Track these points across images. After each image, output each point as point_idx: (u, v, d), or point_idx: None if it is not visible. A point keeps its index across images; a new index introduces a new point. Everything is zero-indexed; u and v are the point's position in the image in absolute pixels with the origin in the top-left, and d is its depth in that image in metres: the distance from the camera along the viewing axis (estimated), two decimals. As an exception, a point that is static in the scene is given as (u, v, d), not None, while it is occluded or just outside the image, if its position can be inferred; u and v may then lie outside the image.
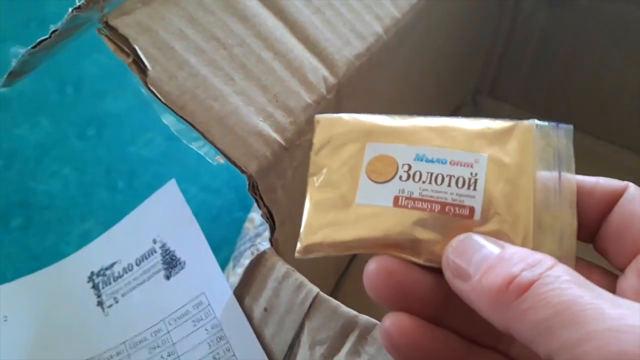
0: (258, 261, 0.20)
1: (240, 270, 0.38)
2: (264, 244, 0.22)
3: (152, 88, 0.17)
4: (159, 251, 0.22)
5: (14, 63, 0.23)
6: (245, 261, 0.39)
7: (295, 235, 0.22)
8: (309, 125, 0.20)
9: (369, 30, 0.22)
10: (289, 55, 0.20)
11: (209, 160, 0.18)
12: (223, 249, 0.35)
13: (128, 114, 0.53)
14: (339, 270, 0.34)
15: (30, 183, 0.48)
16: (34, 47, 0.20)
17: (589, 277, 0.12)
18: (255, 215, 0.43)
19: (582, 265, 0.15)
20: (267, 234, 0.40)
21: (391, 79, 0.26)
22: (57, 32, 0.18)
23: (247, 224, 0.43)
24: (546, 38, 0.38)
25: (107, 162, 0.49)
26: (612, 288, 0.14)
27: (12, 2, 0.66)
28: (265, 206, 0.19)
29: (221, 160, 0.18)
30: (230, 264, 0.38)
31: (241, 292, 0.21)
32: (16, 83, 0.26)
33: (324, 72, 0.20)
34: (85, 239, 0.44)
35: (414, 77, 0.29)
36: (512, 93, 0.42)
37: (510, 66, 0.41)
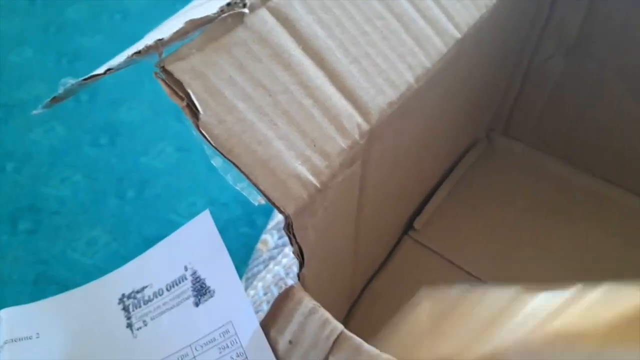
0: (286, 295, 0.21)
1: (252, 292, 0.39)
2: (291, 279, 0.23)
3: (203, 131, 0.18)
4: (190, 278, 0.22)
5: (60, 90, 0.24)
6: (258, 283, 0.40)
7: (321, 271, 0.23)
8: (342, 169, 0.21)
9: (401, 79, 0.23)
10: (327, 103, 0.21)
11: (252, 201, 0.19)
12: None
13: (141, 124, 0.54)
14: (351, 298, 0.35)
15: (41, 187, 0.49)
16: (85, 79, 0.21)
17: None
18: (268, 238, 0.44)
19: None
20: (282, 259, 0.41)
21: (417, 122, 0.27)
22: (110, 70, 0.19)
23: (259, 246, 0.44)
24: (562, 83, 0.40)
25: (119, 170, 0.50)
26: None
27: (32, 6, 0.67)
28: (297, 244, 0.20)
29: (262, 200, 0.19)
30: (242, 284, 0.39)
31: (267, 324, 0.22)
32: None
33: (358, 119, 0.21)
34: (93, 246, 0.45)
35: (437, 118, 0.30)
36: (525, 132, 0.44)
37: (525, 107, 0.42)
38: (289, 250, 0.40)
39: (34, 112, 0.30)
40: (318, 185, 0.20)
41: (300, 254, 0.21)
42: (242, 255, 0.42)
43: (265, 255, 0.41)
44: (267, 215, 0.45)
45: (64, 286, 0.43)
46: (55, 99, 0.26)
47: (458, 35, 0.26)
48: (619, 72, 0.36)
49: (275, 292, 0.37)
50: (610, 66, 0.37)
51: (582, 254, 0.38)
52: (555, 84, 0.40)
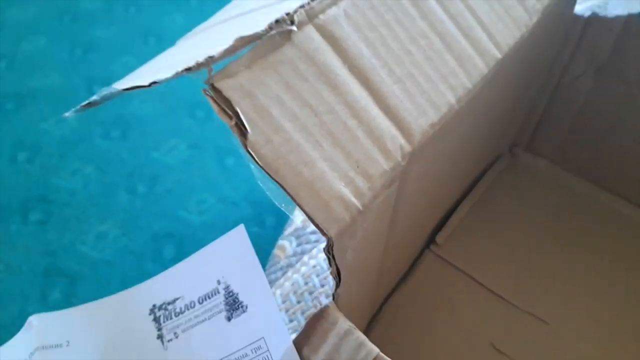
0: (320, 315, 0.21)
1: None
2: (325, 298, 0.23)
3: (251, 151, 0.18)
4: (222, 292, 0.22)
5: (97, 96, 0.24)
6: (276, 291, 0.39)
7: (351, 288, 0.23)
8: (382, 190, 0.21)
9: (443, 100, 0.23)
10: (371, 124, 0.21)
11: (295, 220, 0.19)
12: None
13: (154, 118, 0.54)
14: (372, 311, 0.35)
15: (52, 178, 0.49)
16: (128, 89, 0.21)
17: None
18: (286, 244, 0.44)
19: None
20: (302, 267, 0.40)
21: (453, 141, 0.27)
22: (155, 84, 0.19)
23: (276, 251, 0.44)
24: (590, 102, 0.39)
25: (130, 165, 0.50)
26: None
27: None
28: (336, 265, 0.20)
29: (305, 220, 0.19)
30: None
31: (300, 342, 0.21)
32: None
33: (401, 140, 0.21)
34: (102, 240, 0.45)
35: (470, 137, 0.30)
36: (549, 149, 0.43)
37: (551, 123, 0.42)
38: (307, 258, 0.40)
39: (66, 114, 0.30)
40: (360, 207, 0.20)
41: (337, 275, 0.20)
42: None
43: (283, 262, 0.41)
44: (277, 216, 0.45)
45: (72, 279, 0.43)
46: (90, 104, 0.26)
47: (499, 55, 0.26)
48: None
49: (294, 301, 0.37)
50: (636, 85, 0.37)
51: (603, 275, 0.38)
52: (583, 103, 0.40)
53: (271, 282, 0.40)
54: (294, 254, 0.42)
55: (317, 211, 0.19)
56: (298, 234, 0.43)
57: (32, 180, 0.49)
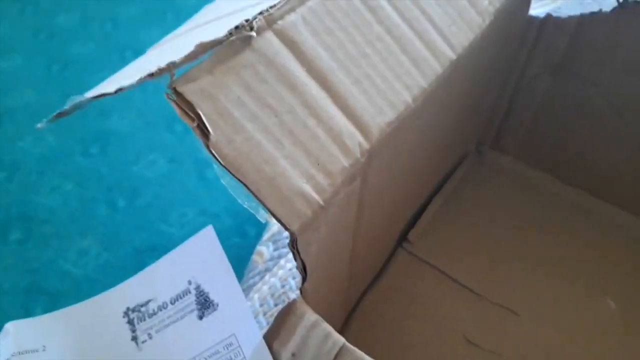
0: (288, 309, 0.22)
1: (249, 304, 0.40)
2: (289, 291, 0.24)
3: (213, 151, 0.19)
4: (194, 292, 0.23)
5: (67, 105, 0.25)
6: (254, 295, 0.40)
7: (320, 284, 0.24)
8: (343, 186, 0.22)
9: (400, 99, 0.24)
10: (330, 122, 0.22)
11: (259, 218, 0.20)
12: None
13: (132, 133, 0.54)
14: (347, 309, 0.35)
15: (32, 196, 0.49)
16: (94, 97, 0.21)
17: None
18: (264, 249, 0.45)
19: None
20: (278, 271, 0.41)
21: (412, 138, 0.28)
22: (120, 90, 0.20)
23: (255, 257, 0.44)
24: (548, 101, 0.41)
25: (109, 180, 0.50)
26: None
27: (22, 12, 0.67)
28: (301, 259, 0.21)
29: (269, 218, 0.20)
30: (245, 299, 0.39)
31: (270, 337, 0.22)
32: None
33: (360, 138, 0.22)
34: (84, 256, 0.45)
35: (431, 134, 0.31)
36: (513, 146, 0.45)
37: (513, 122, 0.44)
38: (284, 262, 0.41)
39: (39, 125, 0.30)
40: (321, 202, 0.21)
41: (303, 269, 0.21)
42: (235, 266, 0.43)
43: (261, 267, 0.42)
44: (258, 226, 0.46)
45: (54, 297, 0.43)
46: (60, 114, 0.26)
47: (453, 56, 0.27)
48: (602, 91, 0.38)
49: (272, 304, 0.38)
50: (594, 85, 0.38)
51: (569, 265, 0.39)
52: (542, 101, 0.41)
53: (249, 288, 0.41)
54: (271, 258, 0.42)
55: (279, 207, 0.19)
56: (275, 239, 0.44)
57: (11, 198, 0.49)
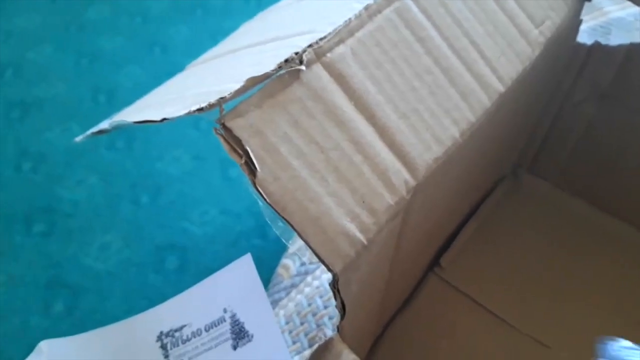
0: (325, 347, 0.21)
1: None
2: (330, 329, 0.23)
3: (259, 189, 0.18)
4: (229, 321, 0.23)
5: (107, 125, 0.25)
6: (280, 311, 0.40)
7: (355, 317, 0.23)
8: (387, 223, 0.22)
9: (447, 134, 0.24)
10: (376, 159, 0.21)
11: (301, 258, 0.19)
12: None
13: (158, 129, 0.54)
14: (375, 334, 0.35)
15: (57, 189, 0.49)
16: (138, 122, 0.21)
17: None
18: (290, 263, 0.44)
19: None
20: (305, 288, 0.41)
21: (457, 171, 0.27)
22: (166, 120, 0.20)
23: (280, 270, 0.44)
24: (592, 127, 0.40)
25: (134, 175, 0.50)
26: None
27: (53, 4, 0.67)
28: (341, 299, 0.20)
29: (312, 257, 0.19)
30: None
31: (305, 373, 0.22)
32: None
33: (406, 175, 0.22)
34: (105, 251, 0.45)
35: (474, 165, 0.31)
36: (551, 172, 0.44)
37: (553, 146, 0.43)
38: (311, 279, 0.40)
39: (76, 139, 0.30)
40: (365, 242, 0.20)
41: (342, 308, 0.21)
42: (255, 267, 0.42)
43: (287, 282, 0.42)
44: (280, 228, 0.45)
45: (75, 291, 0.43)
46: (99, 132, 0.27)
47: (502, 89, 0.26)
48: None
49: (298, 322, 0.37)
50: (638, 113, 0.37)
51: (605, 299, 0.38)
52: (586, 128, 0.40)
53: (274, 302, 0.41)
54: (298, 274, 0.42)
55: (323, 247, 0.19)
56: (302, 252, 0.43)
57: (37, 190, 0.49)
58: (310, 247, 0.19)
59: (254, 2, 0.71)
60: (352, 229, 0.20)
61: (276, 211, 0.18)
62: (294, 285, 0.41)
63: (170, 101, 0.22)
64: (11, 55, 0.61)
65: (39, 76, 0.59)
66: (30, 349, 0.28)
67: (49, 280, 0.43)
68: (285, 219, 0.19)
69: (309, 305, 0.38)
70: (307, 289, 0.40)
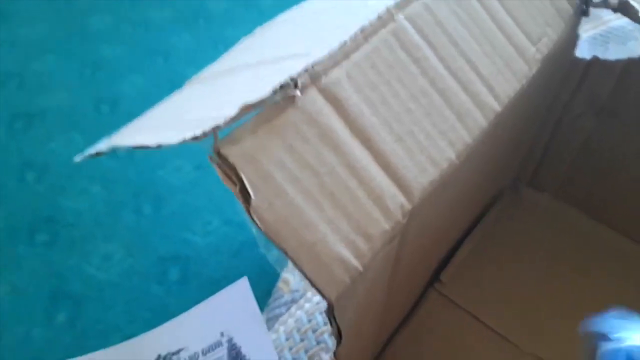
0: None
1: (274, 336, 0.39)
2: (328, 337, 0.23)
3: (253, 216, 0.18)
4: (226, 345, 0.23)
5: (105, 147, 0.25)
6: (280, 327, 0.40)
7: (353, 340, 0.23)
8: (383, 247, 0.21)
9: (443, 156, 0.23)
10: (372, 183, 0.21)
11: (295, 286, 0.19)
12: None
13: None
14: (374, 352, 0.35)
15: (60, 199, 0.49)
16: (135, 147, 0.21)
17: None
18: (290, 278, 0.44)
19: None
20: (305, 304, 0.41)
21: (453, 191, 0.27)
22: (161, 146, 0.20)
23: (280, 285, 0.44)
24: (591, 140, 0.40)
25: (136, 184, 0.50)
26: None
27: (56, 14, 0.68)
28: (337, 326, 0.20)
29: (307, 286, 0.19)
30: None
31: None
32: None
33: (401, 198, 0.22)
34: (108, 261, 0.45)
35: (471, 184, 0.30)
36: (551, 184, 0.44)
37: (552, 160, 0.43)
38: (311, 294, 0.40)
39: (75, 159, 0.30)
40: (360, 268, 0.20)
41: (338, 334, 0.21)
42: (257, 277, 0.42)
43: (287, 297, 0.41)
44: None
45: (77, 301, 0.43)
46: (96, 154, 0.27)
47: (498, 108, 0.26)
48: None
49: (298, 339, 0.37)
50: (637, 129, 0.37)
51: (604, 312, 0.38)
52: (584, 141, 0.40)
53: (275, 318, 0.41)
54: (298, 289, 0.42)
55: (318, 275, 0.19)
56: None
57: (40, 200, 0.49)
58: (305, 275, 0.19)
59: (255, 11, 0.71)
60: (348, 255, 0.20)
61: (271, 239, 0.18)
62: (294, 301, 0.41)
63: (166, 125, 0.23)
64: (15, 65, 0.61)
65: (43, 86, 0.59)
66: (32, 360, 0.27)
67: (51, 291, 0.43)
68: (279, 247, 0.19)
69: (309, 321, 0.38)
70: (307, 305, 0.40)
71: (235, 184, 0.18)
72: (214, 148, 0.18)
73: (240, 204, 0.18)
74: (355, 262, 0.20)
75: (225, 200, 0.49)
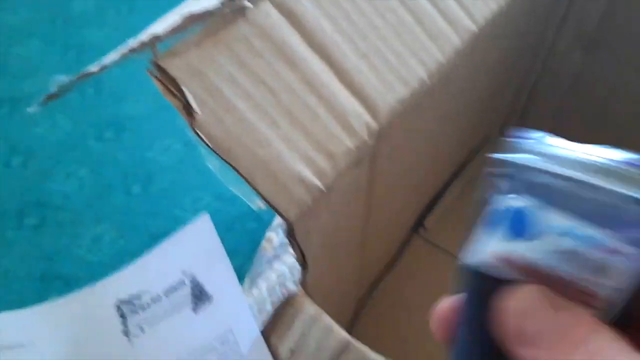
0: (286, 301, 0.20)
1: (256, 292, 0.38)
2: (293, 284, 0.22)
3: (198, 132, 0.17)
4: (188, 284, 0.21)
5: (54, 88, 0.23)
6: (263, 283, 0.39)
7: (324, 275, 0.22)
8: (348, 170, 0.20)
9: (414, 75, 0.22)
10: (333, 101, 0.20)
11: (251, 205, 0.18)
12: (235, 259, 0.35)
13: (147, 118, 0.53)
14: (358, 297, 0.34)
15: (47, 182, 0.48)
16: (79, 77, 0.20)
17: None
18: (273, 235, 0.43)
19: None
20: (288, 258, 0.39)
21: (428, 119, 0.25)
22: (104, 68, 0.18)
23: (264, 243, 0.43)
24: (580, 76, 0.38)
25: (124, 165, 0.49)
26: None
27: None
28: (300, 250, 0.19)
29: (262, 205, 0.18)
30: (246, 284, 0.38)
31: (268, 331, 0.21)
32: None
33: (367, 117, 0.20)
34: (98, 242, 0.45)
35: (449, 116, 0.29)
36: (540, 127, 0.42)
37: (540, 101, 0.41)
38: (296, 249, 0.39)
39: (29, 109, 0.29)
40: (322, 187, 0.19)
41: (302, 259, 0.19)
42: (250, 252, 0.41)
43: (270, 254, 0.40)
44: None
45: (68, 283, 0.42)
46: (50, 97, 0.25)
47: (474, 28, 0.24)
48: (637, 69, 0.35)
49: (280, 293, 0.36)
50: (628, 62, 0.35)
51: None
52: (573, 79, 0.38)
53: (258, 275, 0.39)
54: (281, 245, 0.41)
55: (275, 194, 0.18)
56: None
57: (27, 185, 0.49)
58: (261, 195, 0.17)
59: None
60: (307, 174, 0.18)
61: (220, 156, 0.17)
62: (277, 257, 0.40)
63: (110, 56, 0.21)
64: (-3, 51, 0.60)
65: (26, 71, 0.58)
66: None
67: (42, 274, 0.43)
68: (230, 165, 0.17)
69: (292, 274, 0.37)
70: (290, 260, 0.39)
71: (179, 100, 0.17)
72: (152, 60, 0.17)
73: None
74: (316, 181, 0.18)
75: (216, 176, 0.49)
